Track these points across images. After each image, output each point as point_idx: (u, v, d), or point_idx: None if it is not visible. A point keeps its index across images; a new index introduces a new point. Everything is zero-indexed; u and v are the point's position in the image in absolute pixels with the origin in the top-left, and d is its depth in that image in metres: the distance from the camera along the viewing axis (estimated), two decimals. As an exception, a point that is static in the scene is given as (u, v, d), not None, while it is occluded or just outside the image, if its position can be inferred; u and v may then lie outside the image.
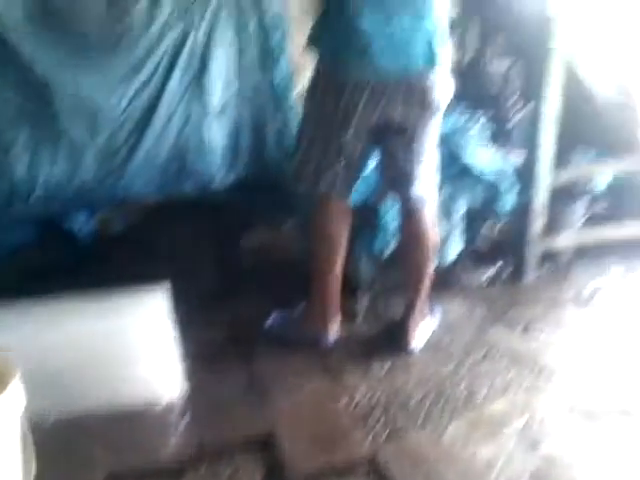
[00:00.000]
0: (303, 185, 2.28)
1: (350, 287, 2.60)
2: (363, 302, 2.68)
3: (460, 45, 4.13)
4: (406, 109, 2.06)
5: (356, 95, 2.05)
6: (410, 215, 2.31)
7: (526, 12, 2.94)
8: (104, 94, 2.69)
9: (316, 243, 2.37)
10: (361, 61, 2.02)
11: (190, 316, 2.29)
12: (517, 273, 3.01)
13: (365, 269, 2.65)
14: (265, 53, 3.02)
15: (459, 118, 3.00)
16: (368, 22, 1.99)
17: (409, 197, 2.26)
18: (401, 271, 2.51)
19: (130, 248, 2.87)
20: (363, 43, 2.00)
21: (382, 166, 2.35)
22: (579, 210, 3.25)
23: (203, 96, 2.84)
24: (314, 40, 2.17)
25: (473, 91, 3.53)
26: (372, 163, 2.61)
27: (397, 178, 2.26)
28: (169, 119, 2.79)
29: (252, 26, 2.93)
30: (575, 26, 2.89)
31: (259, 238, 3.10)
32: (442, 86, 2.10)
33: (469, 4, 3.53)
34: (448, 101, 2.18)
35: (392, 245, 2.60)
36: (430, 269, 2.39)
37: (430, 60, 2.03)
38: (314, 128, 2.22)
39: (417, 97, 2.05)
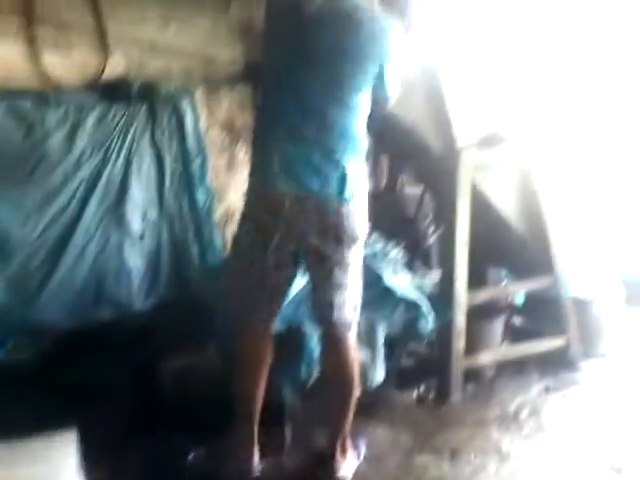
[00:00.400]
0: (229, 310, 2.25)
1: (275, 416, 2.50)
2: (288, 432, 2.58)
3: (374, 172, 4.37)
4: (322, 239, 2.09)
5: (274, 223, 2.09)
6: (332, 344, 2.27)
7: (433, 144, 3.11)
8: (17, 221, 2.66)
9: (239, 369, 2.31)
10: (277, 191, 2.07)
11: (102, 460, 2.12)
12: (442, 393, 3.01)
13: (289, 397, 2.57)
14: (186, 178, 3.08)
15: (378, 242, 3.09)
16: (286, 153, 2.06)
17: (331, 325, 2.23)
18: (325, 400, 2.44)
19: (35, 384, 2.68)
20: (279, 173, 2.06)
21: (308, 291, 2.35)
22: (498, 327, 3.34)
23: (121, 222, 2.84)
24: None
25: (390, 214, 3.68)
26: (298, 285, 2.63)
27: (319, 305, 2.25)
28: (85, 246, 2.76)
29: (172, 153, 3.00)
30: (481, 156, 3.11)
31: (180, 362, 2.98)
32: (357, 218, 2.13)
33: (380, 134, 3.73)
34: (365, 232, 2.21)
35: (316, 373, 2.55)
36: (353, 399, 2.31)
37: (344, 194, 2.07)
38: (238, 255, 2.23)
39: (332, 228, 2.08)
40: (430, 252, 3.73)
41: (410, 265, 3.29)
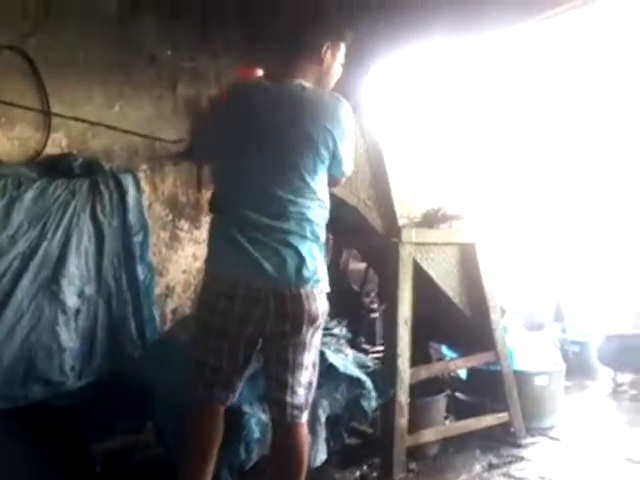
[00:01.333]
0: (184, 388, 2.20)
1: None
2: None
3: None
4: (279, 323, 2.06)
5: (230, 309, 2.06)
6: (283, 426, 2.17)
7: (376, 223, 3.19)
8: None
9: (188, 452, 2.20)
10: (232, 277, 2.05)
11: None
12: (385, 472, 2.95)
13: (227, 479, 2.48)
14: (126, 254, 3.06)
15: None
16: (241, 239, 2.04)
17: (284, 406, 2.13)
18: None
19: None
20: (233, 259, 2.05)
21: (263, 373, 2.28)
22: (441, 404, 3.34)
23: (56, 298, 2.78)
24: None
25: (334, 290, 3.70)
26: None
27: (273, 386, 2.16)
28: (17, 322, 2.68)
29: (113, 228, 2.99)
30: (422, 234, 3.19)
31: (115, 442, 2.87)
32: (316, 300, 2.09)
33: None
34: (325, 313, 2.15)
35: (255, 454, 2.48)
36: None
37: (302, 277, 2.05)
38: (196, 336, 2.19)
39: (289, 312, 2.05)
40: (374, 328, 3.74)
41: (353, 341, 3.29)
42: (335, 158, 2.15)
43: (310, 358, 2.14)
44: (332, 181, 2.24)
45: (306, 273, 2.04)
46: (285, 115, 2.07)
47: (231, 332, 2.08)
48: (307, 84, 2.13)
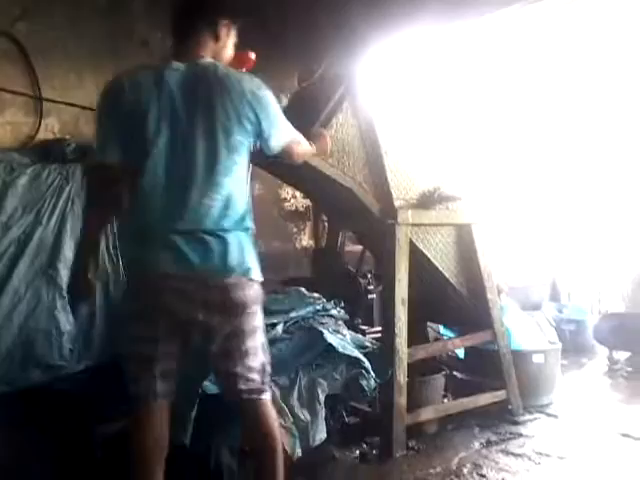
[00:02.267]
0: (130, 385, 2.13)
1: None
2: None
3: (315, 232, 4.44)
4: (208, 314, 2.01)
5: (157, 302, 2.01)
6: (244, 412, 2.13)
7: (372, 205, 3.18)
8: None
9: (134, 450, 2.12)
10: (159, 270, 1.99)
11: None
12: (385, 450, 2.98)
13: (227, 461, 2.49)
14: (129, 243, 3.02)
15: (319, 300, 3.10)
16: (166, 231, 1.98)
17: (238, 394, 2.08)
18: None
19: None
20: (158, 250, 1.98)
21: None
22: (440, 383, 3.36)
23: (54, 283, 2.76)
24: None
25: (331, 272, 3.71)
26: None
27: (221, 376, 2.14)
28: (14, 307, 2.66)
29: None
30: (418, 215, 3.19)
31: (114, 427, 2.87)
32: (245, 288, 2.03)
33: (317, 198, 3.80)
34: (258, 299, 2.08)
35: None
36: (279, 467, 2.13)
37: (226, 268, 2.00)
38: (129, 329, 2.12)
39: (217, 302, 2.01)
40: (371, 309, 3.75)
41: (351, 322, 3.30)
42: (262, 136, 2.06)
43: (255, 342, 2.08)
44: (282, 156, 2.20)
45: (232, 263, 1.99)
46: (202, 96, 1.98)
47: (159, 327, 2.03)
48: (220, 64, 2.05)
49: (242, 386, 2.07)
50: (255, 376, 2.08)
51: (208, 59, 2.05)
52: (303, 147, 2.34)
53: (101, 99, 2.06)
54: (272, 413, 2.16)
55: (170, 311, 2.02)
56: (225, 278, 2.01)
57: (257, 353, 2.10)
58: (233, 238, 2.01)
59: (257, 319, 2.10)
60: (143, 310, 2.05)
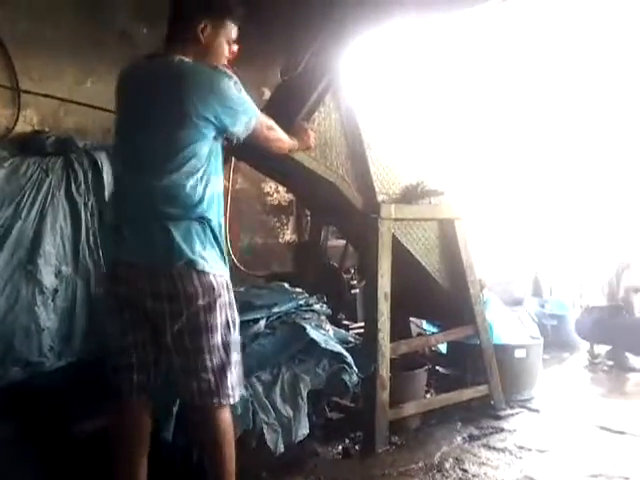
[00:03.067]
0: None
1: (195, 475, 2.39)
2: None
3: (298, 226, 4.43)
4: (156, 304, 1.98)
5: (117, 291, 2.03)
6: (193, 414, 2.09)
7: (355, 199, 3.17)
8: None
9: (115, 447, 2.12)
10: (119, 259, 2.02)
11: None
12: (368, 445, 2.98)
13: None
14: (102, 232, 2.99)
15: (301, 294, 3.09)
16: (123, 221, 2.02)
17: (191, 396, 2.03)
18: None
19: None
20: (117, 241, 2.02)
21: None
22: (422, 378, 3.36)
23: (33, 278, 2.71)
24: None
25: (314, 267, 3.70)
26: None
27: (178, 375, 2.06)
28: (-7, 302, 2.62)
29: (89, 207, 2.93)
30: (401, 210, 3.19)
31: (95, 424, 2.84)
32: (195, 279, 1.98)
33: (300, 192, 3.78)
34: (212, 292, 2.01)
35: (238, 430, 2.46)
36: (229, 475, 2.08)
37: (173, 258, 1.96)
38: (104, 321, 2.15)
39: (166, 293, 1.97)
40: (354, 304, 3.75)
41: (334, 318, 3.29)
42: (223, 124, 2.05)
43: (213, 341, 2.02)
44: (253, 142, 2.22)
45: (178, 253, 1.96)
46: (159, 88, 2.01)
47: (123, 318, 2.04)
48: (186, 59, 2.04)
49: (194, 385, 2.01)
50: (210, 377, 2.01)
51: (178, 56, 2.04)
52: (276, 133, 2.33)
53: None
54: (224, 425, 2.06)
55: (127, 301, 2.02)
56: (170, 268, 1.97)
57: (215, 352, 2.02)
58: (182, 227, 1.98)
59: (216, 316, 2.02)
60: (106, 300, 2.10)
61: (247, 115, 2.11)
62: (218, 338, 2.03)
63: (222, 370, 2.03)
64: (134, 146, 2.02)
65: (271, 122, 2.28)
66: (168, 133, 1.97)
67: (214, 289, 2.01)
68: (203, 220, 2.01)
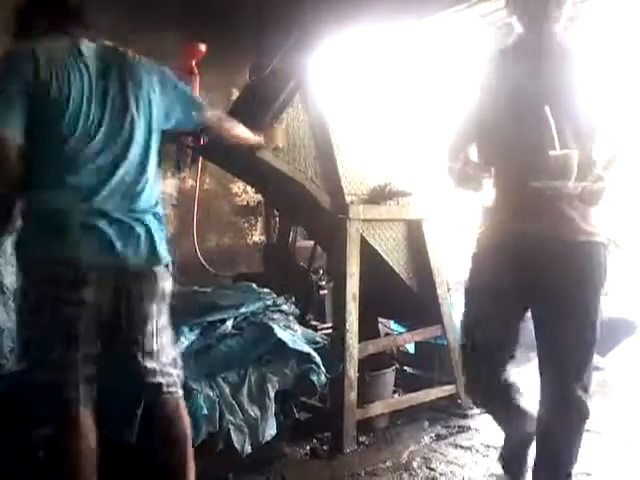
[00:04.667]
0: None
1: (159, 478, 2.36)
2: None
3: (266, 227, 4.42)
4: (129, 302, 1.96)
5: (84, 289, 1.89)
6: (161, 413, 2.08)
7: (323, 200, 3.17)
8: None
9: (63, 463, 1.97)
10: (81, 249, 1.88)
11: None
12: (336, 446, 2.98)
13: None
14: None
15: (269, 295, 3.07)
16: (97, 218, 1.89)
17: (159, 393, 2.04)
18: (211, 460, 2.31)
19: None
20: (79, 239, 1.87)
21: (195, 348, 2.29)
22: (390, 378, 3.38)
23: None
24: None
25: (282, 267, 3.69)
26: (185, 343, 2.56)
27: (140, 373, 2.02)
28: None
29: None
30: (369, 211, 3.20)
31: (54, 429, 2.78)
32: (164, 281, 2.02)
33: (269, 193, 3.78)
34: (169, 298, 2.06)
35: (204, 431, 2.45)
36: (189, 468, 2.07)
37: (154, 257, 1.97)
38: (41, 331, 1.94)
39: (143, 293, 1.97)
40: (323, 305, 3.75)
41: (302, 318, 3.29)
42: (174, 114, 2.08)
43: (168, 337, 2.08)
44: (208, 132, 2.28)
45: (156, 251, 1.98)
46: (116, 79, 1.95)
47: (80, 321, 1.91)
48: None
49: (160, 380, 2.03)
50: (172, 370, 2.07)
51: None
52: (231, 123, 2.35)
53: (5, 64, 1.87)
54: (184, 410, 2.12)
55: (91, 305, 1.90)
56: (153, 266, 1.98)
57: (170, 348, 2.10)
58: (155, 226, 1.99)
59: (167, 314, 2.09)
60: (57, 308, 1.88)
61: (199, 105, 2.21)
62: (170, 334, 2.11)
63: (176, 362, 2.12)
64: (103, 138, 1.96)
65: (222, 113, 2.36)
66: (131, 120, 2.00)
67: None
68: (161, 217, 2.07)
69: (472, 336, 2.29)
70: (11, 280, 2.70)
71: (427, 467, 2.83)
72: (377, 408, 3.18)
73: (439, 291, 3.49)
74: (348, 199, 3.18)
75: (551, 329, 2.17)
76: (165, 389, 2.04)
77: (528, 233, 2.06)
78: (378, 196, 3.32)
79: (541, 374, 2.24)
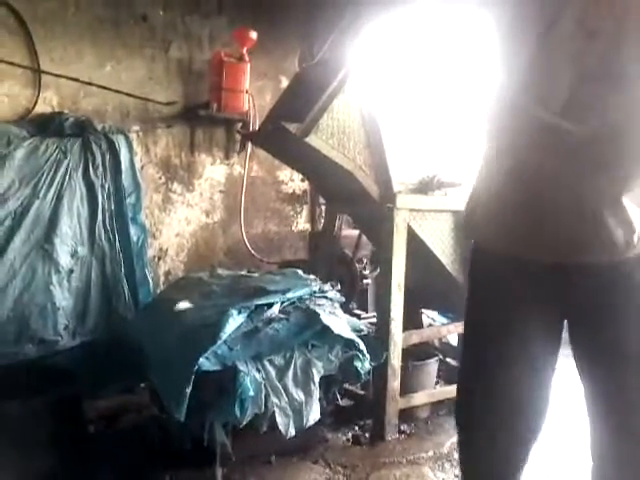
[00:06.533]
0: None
1: (206, 456, 2.42)
2: (219, 472, 2.49)
3: (312, 215, 4.43)
4: None
5: None
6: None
7: (371, 189, 3.17)
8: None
9: None
10: None
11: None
12: (377, 433, 2.99)
13: (221, 437, 2.49)
14: (118, 216, 3.02)
15: (315, 282, 3.09)
16: None
17: None
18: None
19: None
20: None
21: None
22: (433, 368, 3.36)
23: (49, 258, 2.75)
24: None
25: (328, 255, 3.70)
26: (234, 325, 2.59)
27: None
28: (10, 281, 2.65)
29: (106, 189, 2.95)
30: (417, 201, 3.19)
31: (107, 402, 2.87)
32: None
33: (316, 180, 3.78)
34: None
35: (249, 412, 2.49)
36: None
37: None
38: None
39: None
40: (366, 294, 3.75)
41: (346, 306, 3.29)
42: None
43: None
44: None
45: None
46: None
47: None
48: None
49: None
50: None
51: None
52: None
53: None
54: None
55: None
56: None
57: None
58: None
59: None
60: None
61: None
62: None
63: None
64: None
65: None
66: None
67: None
68: None
69: (478, 402, 1.66)
70: (66, 260, 2.79)
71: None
72: (419, 398, 3.18)
73: (484, 283, 3.44)
74: (396, 188, 3.16)
75: (605, 380, 1.54)
76: None
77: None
78: (426, 186, 3.29)
79: (596, 429, 1.58)
